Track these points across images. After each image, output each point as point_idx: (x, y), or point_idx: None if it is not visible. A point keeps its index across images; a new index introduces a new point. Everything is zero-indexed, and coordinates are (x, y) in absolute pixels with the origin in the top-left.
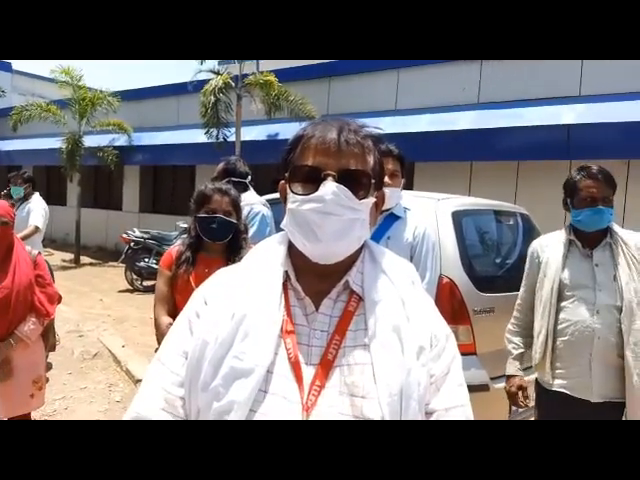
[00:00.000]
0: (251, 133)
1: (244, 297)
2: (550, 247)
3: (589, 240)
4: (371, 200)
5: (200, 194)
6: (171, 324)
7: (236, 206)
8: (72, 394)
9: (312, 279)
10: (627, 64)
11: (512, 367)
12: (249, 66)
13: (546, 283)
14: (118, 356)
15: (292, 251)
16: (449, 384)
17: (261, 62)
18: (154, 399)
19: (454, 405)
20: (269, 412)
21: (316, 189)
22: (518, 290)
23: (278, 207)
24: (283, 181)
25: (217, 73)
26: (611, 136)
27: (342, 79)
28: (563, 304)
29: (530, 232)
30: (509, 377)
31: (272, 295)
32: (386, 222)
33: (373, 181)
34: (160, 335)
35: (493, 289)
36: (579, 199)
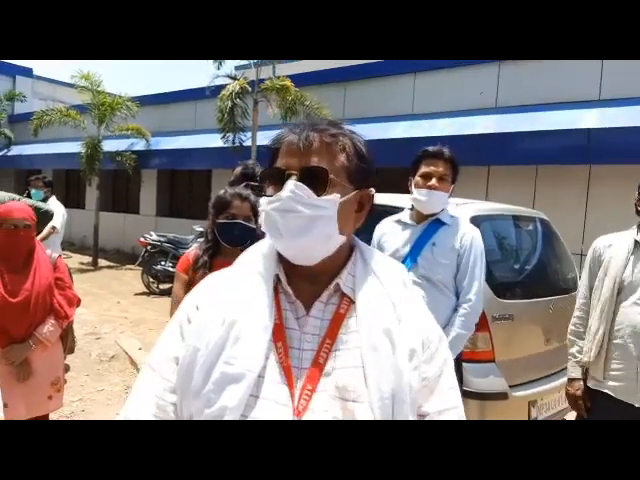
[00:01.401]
0: (267, 137)
1: (235, 302)
2: (614, 246)
3: None
4: (335, 197)
5: (220, 199)
6: None
7: (255, 211)
8: (89, 396)
9: (303, 282)
10: None
11: (576, 371)
12: (265, 71)
13: (607, 282)
14: (135, 358)
15: (281, 255)
16: (442, 386)
17: (277, 67)
18: (145, 405)
19: (447, 407)
20: (260, 417)
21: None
22: (537, 297)
23: None
24: None
25: (234, 78)
26: (631, 140)
27: (358, 84)
28: (620, 306)
29: (549, 238)
30: (572, 380)
31: (263, 299)
32: (431, 228)
33: (332, 176)
34: None
35: (512, 296)
36: None
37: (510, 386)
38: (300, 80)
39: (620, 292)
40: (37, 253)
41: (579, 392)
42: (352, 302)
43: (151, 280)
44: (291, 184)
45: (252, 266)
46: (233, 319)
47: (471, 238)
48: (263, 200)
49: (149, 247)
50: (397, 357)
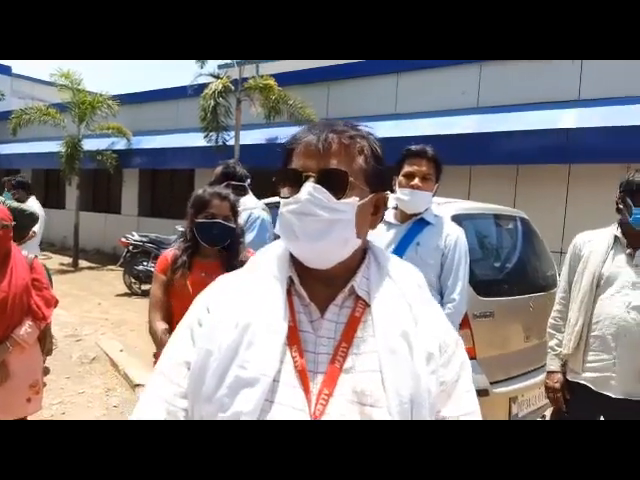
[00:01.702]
0: (250, 137)
1: (248, 304)
2: (594, 242)
3: (635, 239)
4: (354, 200)
5: (198, 199)
6: (167, 329)
7: (234, 210)
8: (70, 399)
9: (316, 285)
10: (625, 68)
11: (555, 363)
12: (249, 70)
13: (586, 275)
14: (116, 360)
15: (294, 257)
16: (459, 391)
17: (261, 66)
18: (155, 411)
19: (465, 412)
20: None
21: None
22: (517, 294)
23: (275, 211)
24: None
25: (217, 77)
26: (610, 140)
27: (341, 83)
28: (599, 298)
29: (529, 236)
30: (551, 372)
31: (276, 301)
32: (415, 227)
33: (351, 179)
34: (156, 341)
35: (493, 293)
36: None
37: (491, 383)
38: (284, 79)
39: (599, 285)
40: (13, 254)
41: (558, 384)
42: (367, 305)
43: (133, 281)
44: (309, 186)
45: (264, 268)
46: (246, 322)
47: (455, 238)
48: (281, 202)
49: (131, 247)
50: (415, 361)
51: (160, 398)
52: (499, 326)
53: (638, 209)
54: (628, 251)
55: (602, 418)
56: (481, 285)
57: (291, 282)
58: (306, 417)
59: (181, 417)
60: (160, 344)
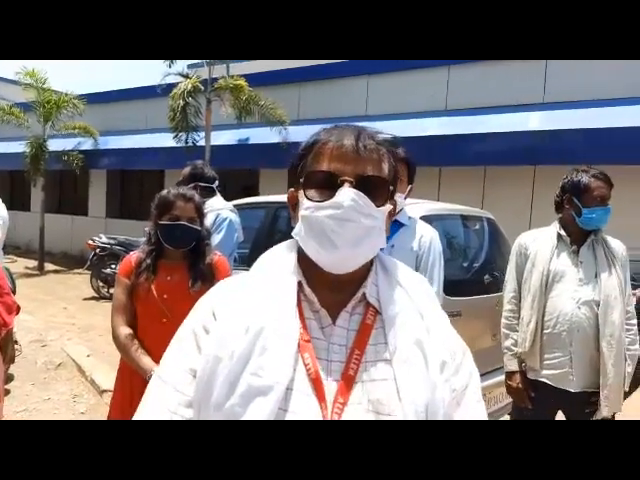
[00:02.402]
0: (221, 137)
1: (257, 310)
2: (539, 240)
3: (577, 237)
4: (387, 208)
5: (163, 200)
6: (131, 334)
7: (200, 212)
8: (35, 406)
9: (325, 290)
10: (589, 71)
11: (514, 363)
12: (219, 70)
13: (535, 274)
14: (83, 366)
15: (302, 261)
16: (468, 399)
17: (231, 66)
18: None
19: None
20: None
21: (332, 195)
22: (484, 294)
23: (245, 213)
24: (292, 189)
25: (186, 77)
26: (574, 142)
27: (313, 84)
28: (549, 296)
29: (495, 236)
30: (511, 373)
31: (287, 307)
32: (390, 230)
33: (391, 188)
34: (119, 346)
35: (460, 293)
36: (590, 198)
37: None
38: (254, 79)
39: (548, 282)
40: None
41: (521, 385)
42: (377, 312)
43: (101, 284)
44: (351, 192)
45: (271, 272)
46: (258, 328)
47: (430, 239)
48: (310, 204)
49: (98, 250)
50: (429, 369)
51: (163, 407)
52: (466, 325)
53: (587, 210)
54: (573, 248)
55: (560, 412)
56: (448, 285)
57: (299, 287)
58: None
59: None
60: (123, 349)
